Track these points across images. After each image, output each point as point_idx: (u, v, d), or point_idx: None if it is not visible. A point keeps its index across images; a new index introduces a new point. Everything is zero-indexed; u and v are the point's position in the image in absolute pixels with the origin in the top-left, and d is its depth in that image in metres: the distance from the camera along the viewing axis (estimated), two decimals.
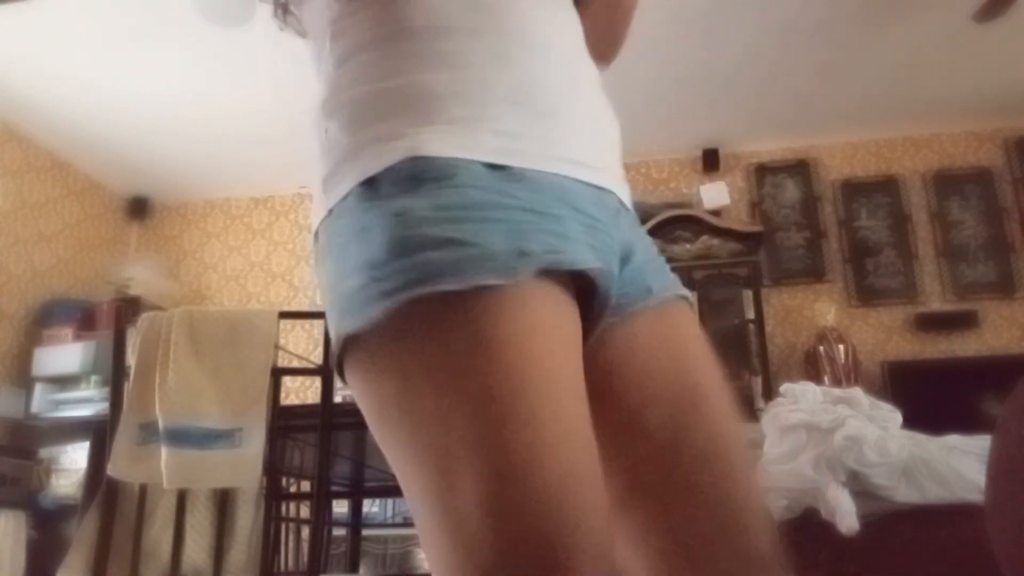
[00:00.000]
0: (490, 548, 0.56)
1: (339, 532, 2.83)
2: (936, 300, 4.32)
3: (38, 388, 4.08)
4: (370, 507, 3.65)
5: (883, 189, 4.52)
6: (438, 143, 0.67)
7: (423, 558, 3.37)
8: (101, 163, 4.66)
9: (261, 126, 4.23)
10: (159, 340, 1.81)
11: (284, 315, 1.92)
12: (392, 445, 0.64)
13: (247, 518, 1.90)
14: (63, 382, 4.07)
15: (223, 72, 3.81)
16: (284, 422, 1.88)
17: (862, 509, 1.67)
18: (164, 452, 1.72)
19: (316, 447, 1.90)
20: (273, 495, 1.89)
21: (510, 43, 0.73)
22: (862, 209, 4.51)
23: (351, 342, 0.65)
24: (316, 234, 0.73)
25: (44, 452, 3.96)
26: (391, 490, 2.91)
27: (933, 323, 4.25)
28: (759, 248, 4.33)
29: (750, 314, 4.14)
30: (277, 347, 1.86)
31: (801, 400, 1.89)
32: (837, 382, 3.84)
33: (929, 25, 3.59)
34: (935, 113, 4.40)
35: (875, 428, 1.79)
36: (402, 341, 0.62)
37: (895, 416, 1.88)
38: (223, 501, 1.85)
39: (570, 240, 0.67)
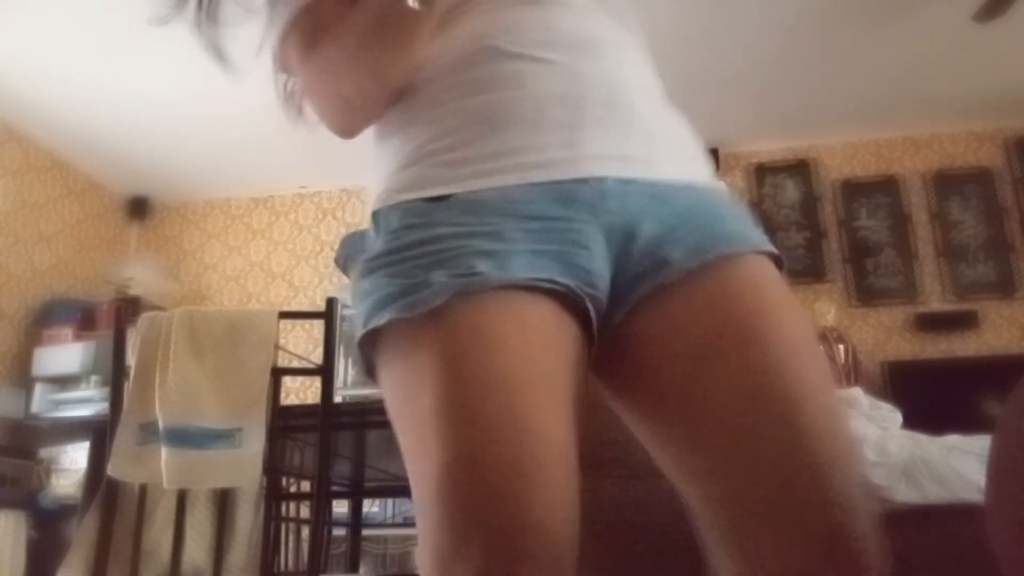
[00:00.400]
0: (448, 535, 0.61)
1: (339, 532, 2.83)
2: (936, 300, 4.31)
3: (38, 388, 4.07)
4: (370, 507, 3.65)
5: (883, 189, 4.51)
6: (384, 194, 0.78)
7: None
8: (101, 163, 4.66)
9: (261, 126, 4.20)
10: (159, 340, 1.81)
11: (284, 315, 1.91)
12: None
13: (247, 518, 1.90)
14: (63, 382, 4.07)
15: (223, 72, 3.80)
16: (284, 422, 1.88)
17: None
18: (164, 452, 1.72)
19: (316, 447, 1.90)
20: (273, 495, 1.89)
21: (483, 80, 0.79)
22: (862, 209, 4.50)
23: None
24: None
25: (44, 452, 3.95)
26: (391, 490, 2.92)
27: (933, 323, 4.24)
28: None
29: None
30: (277, 347, 1.86)
31: None
32: (837, 382, 3.83)
33: (929, 25, 3.59)
34: (935, 113, 4.39)
35: (875, 428, 1.79)
36: (383, 363, 0.73)
37: (895, 416, 1.88)
38: (223, 501, 1.85)
39: (499, 255, 0.69)
